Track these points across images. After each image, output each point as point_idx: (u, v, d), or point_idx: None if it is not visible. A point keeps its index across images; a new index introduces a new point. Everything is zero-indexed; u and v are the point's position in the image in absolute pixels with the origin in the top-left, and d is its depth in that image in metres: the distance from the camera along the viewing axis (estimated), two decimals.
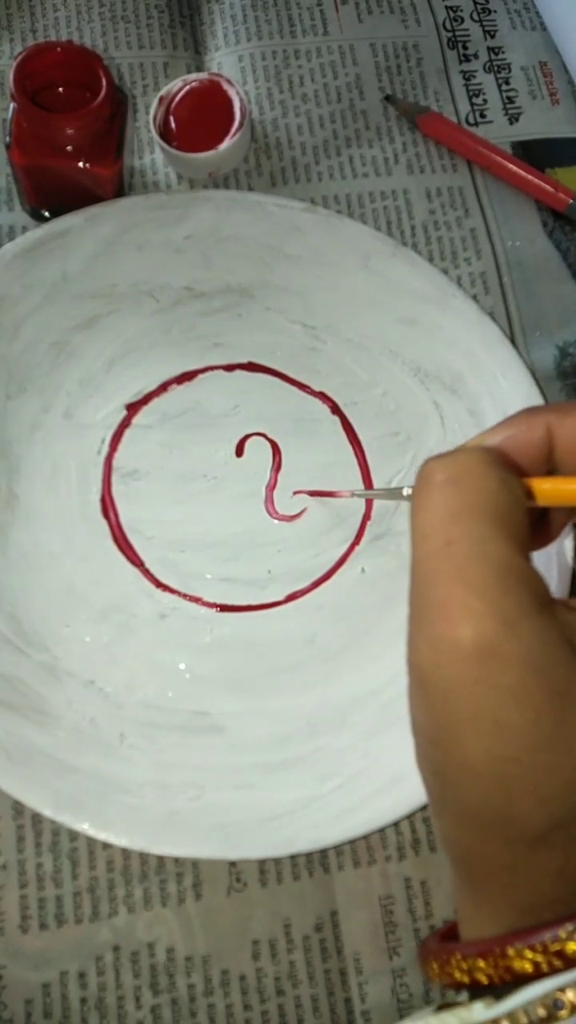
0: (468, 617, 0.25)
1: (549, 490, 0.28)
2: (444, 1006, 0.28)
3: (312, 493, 0.45)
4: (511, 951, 0.25)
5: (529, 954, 0.25)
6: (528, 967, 0.25)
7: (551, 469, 0.29)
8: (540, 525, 0.32)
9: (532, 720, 0.24)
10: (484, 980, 0.26)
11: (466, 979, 0.26)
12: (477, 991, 0.26)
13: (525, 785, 0.25)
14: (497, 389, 0.45)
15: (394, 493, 0.37)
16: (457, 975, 0.26)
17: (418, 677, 0.26)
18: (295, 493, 0.45)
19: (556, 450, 0.29)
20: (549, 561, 0.42)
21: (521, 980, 0.25)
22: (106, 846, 0.39)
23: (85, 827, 0.37)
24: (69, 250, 0.46)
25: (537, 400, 0.45)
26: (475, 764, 0.25)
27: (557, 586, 0.42)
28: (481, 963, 0.26)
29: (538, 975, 0.24)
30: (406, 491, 0.35)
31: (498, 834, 0.26)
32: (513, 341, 0.48)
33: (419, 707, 0.27)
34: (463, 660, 0.25)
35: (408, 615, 0.27)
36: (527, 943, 0.25)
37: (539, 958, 0.24)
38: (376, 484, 0.45)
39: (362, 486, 0.45)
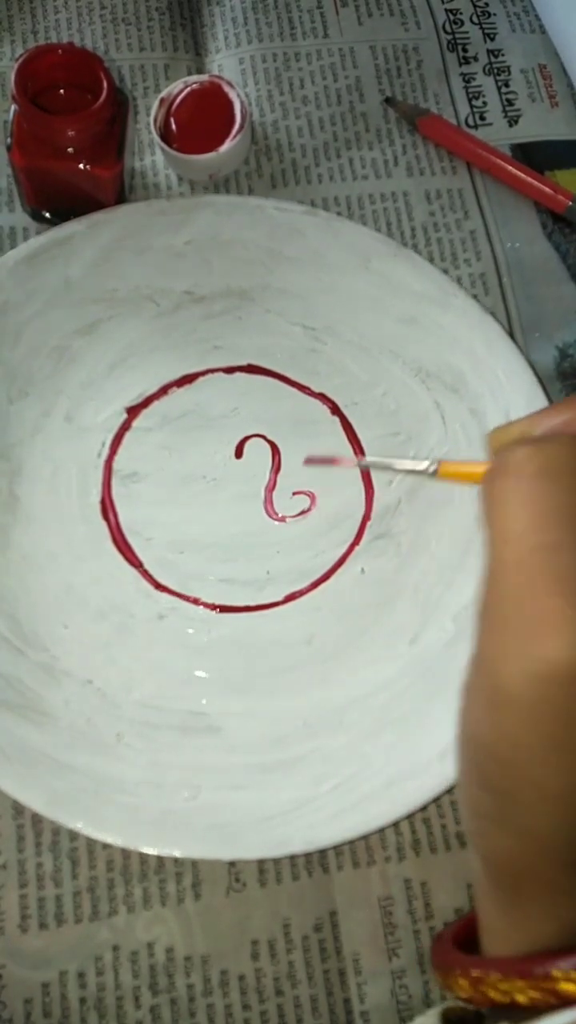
0: (571, 634, 0.22)
1: None
2: (450, 1010, 0.28)
3: (311, 460, 0.41)
4: (557, 973, 0.24)
5: None
6: (574, 989, 0.23)
7: None
8: None
9: None
10: (524, 1001, 0.24)
11: (504, 1000, 0.25)
12: (505, 1012, 0.25)
13: None
14: (499, 388, 0.45)
15: (414, 466, 0.33)
16: (493, 994, 0.25)
17: (500, 694, 0.24)
18: (306, 461, 0.41)
19: None
20: None
21: (566, 1003, 0.23)
22: (106, 846, 0.39)
23: (80, 826, 0.37)
24: (71, 256, 0.46)
25: (540, 398, 0.44)
26: (553, 789, 0.24)
27: None
28: (520, 983, 0.24)
29: None
30: (429, 466, 0.31)
31: (561, 857, 0.25)
32: (513, 342, 0.48)
33: (491, 724, 0.25)
34: (561, 681, 0.23)
35: (484, 622, 0.25)
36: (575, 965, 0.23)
37: None
38: (376, 485, 0.45)
39: (362, 487, 0.45)
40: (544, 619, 0.23)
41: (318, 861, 0.40)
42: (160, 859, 0.39)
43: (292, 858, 0.40)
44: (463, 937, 0.30)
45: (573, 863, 0.25)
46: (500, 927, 0.27)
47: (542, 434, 0.27)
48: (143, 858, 0.39)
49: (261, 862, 0.39)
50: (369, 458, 0.35)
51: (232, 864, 0.39)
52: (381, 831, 0.40)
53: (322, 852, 0.40)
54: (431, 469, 0.32)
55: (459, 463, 0.31)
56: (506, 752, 0.24)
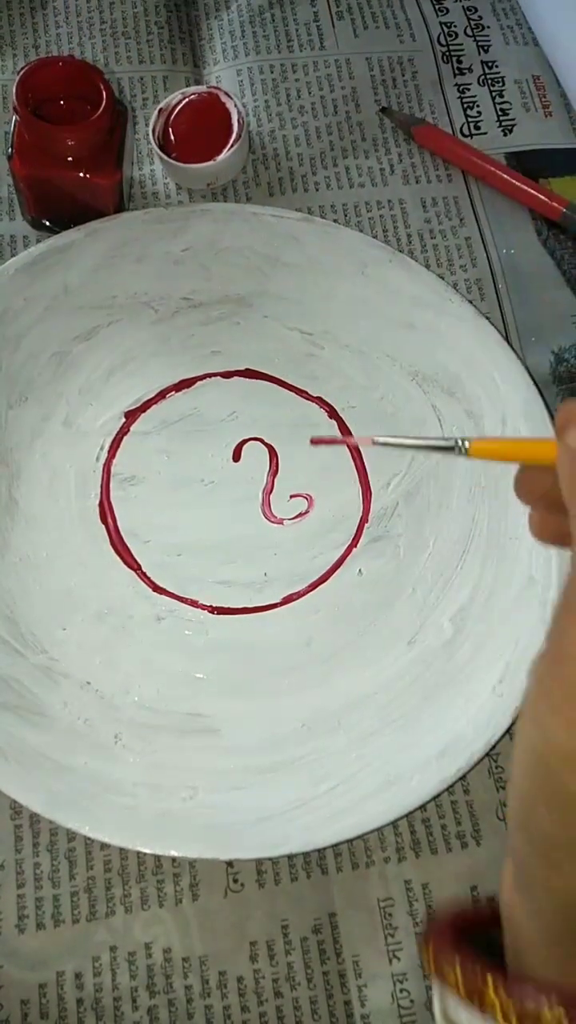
0: None
1: None
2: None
3: (317, 441, 0.35)
4: (547, 1014, 0.22)
5: None
6: None
7: None
8: None
9: None
10: (498, 1017, 0.23)
11: (492, 1011, 0.24)
12: None
13: None
14: (495, 391, 0.45)
15: (436, 443, 0.29)
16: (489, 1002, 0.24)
17: None
18: (313, 441, 0.35)
19: None
20: (547, 563, 0.42)
21: None
22: (103, 846, 0.39)
23: (78, 826, 0.37)
24: (70, 264, 0.47)
25: (536, 402, 0.45)
26: None
27: (559, 589, 0.42)
28: (508, 1001, 0.23)
29: None
30: (456, 443, 0.28)
31: None
32: (508, 346, 0.48)
33: (567, 725, 0.22)
34: None
35: (566, 614, 0.23)
36: None
37: None
38: (374, 488, 0.45)
39: (359, 490, 0.45)
40: None
41: (317, 862, 0.40)
42: (158, 860, 0.39)
43: (290, 859, 0.39)
44: (464, 927, 0.28)
45: None
46: (555, 975, 0.24)
47: None
48: (141, 858, 0.39)
49: (259, 863, 0.39)
50: (382, 437, 0.31)
51: (230, 865, 0.39)
52: (380, 831, 0.40)
53: (321, 853, 0.40)
54: (460, 446, 0.28)
55: (491, 441, 0.29)
56: None
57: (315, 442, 0.35)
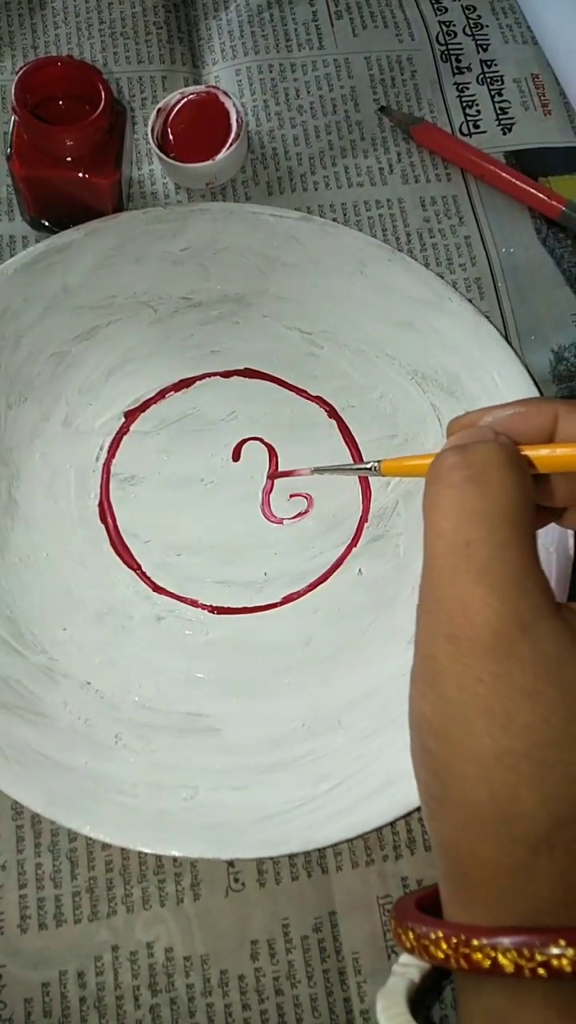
0: (489, 617, 0.26)
1: (547, 457, 0.29)
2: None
3: (274, 475, 0.45)
4: (475, 942, 0.26)
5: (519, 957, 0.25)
6: (481, 959, 0.26)
7: None
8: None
9: (543, 718, 0.26)
10: (439, 956, 0.27)
11: (439, 956, 0.27)
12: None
13: (531, 782, 0.26)
14: (495, 390, 0.45)
15: (361, 468, 0.38)
16: (433, 950, 0.27)
17: (432, 669, 0.27)
18: (270, 476, 0.46)
19: (555, 440, 0.30)
20: (548, 561, 0.42)
21: (474, 970, 0.26)
22: (105, 846, 0.39)
23: (78, 826, 0.37)
24: (69, 264, 0.47)
25: None
26: (483, 758, 0.26)
27: (557, 586, 0.42)
28: (443, 940, 0.27)
29: (517, 974, 0.25)
30: (373, 465, 0.36)
31: (501, 833, 0.26)
32: (508, 345, 0.48)
33: (428, 699, 0.28)
34: (481, 656, 0.26)
35: (421, 607, 0.29)
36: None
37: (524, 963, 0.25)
38: (373, 487, 0.45)
39: (359, 489, 0.45)
40: (466, 604, 0.27)
41: (317, 861, 0.40)
42: (159, 859, 0.39)
43: (291, 859, 0.40)
44: (429, 902, 0.31)
45: (513, 840, 0.26)
46: (463, 919, 0.28)
47: (474, 438, 0.30)
48: (142, 858, 0.39)
49: (260, 863, 0.39)
50: (319, 465, 0.44)
51: (231, 864, 0.39)
52: (379, 831, 0.40)
53: (321, 852, 0.40)
54: (376, 467, 0.37)
55: (398, 459, 0.37)
56: (442, 726, 0.27)
57: (271, 476, 0.45)
